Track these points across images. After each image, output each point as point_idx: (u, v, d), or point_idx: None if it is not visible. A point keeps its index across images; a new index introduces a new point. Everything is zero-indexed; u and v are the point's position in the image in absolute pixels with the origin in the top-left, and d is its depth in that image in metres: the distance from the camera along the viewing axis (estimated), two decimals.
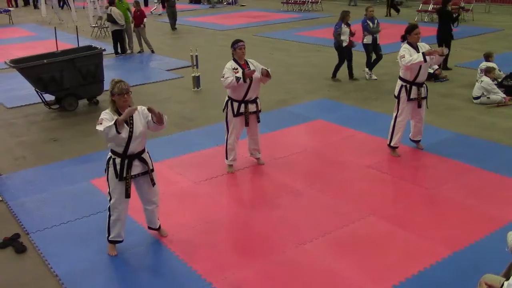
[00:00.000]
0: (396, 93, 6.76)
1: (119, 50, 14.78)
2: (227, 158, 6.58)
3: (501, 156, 6.83)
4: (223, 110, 6.44)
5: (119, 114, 4.51)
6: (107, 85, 9.92)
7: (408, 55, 6.42)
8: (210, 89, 10.56)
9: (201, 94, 10.49)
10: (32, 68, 9.11)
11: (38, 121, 9.14)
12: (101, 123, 4.46)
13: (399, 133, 6.79)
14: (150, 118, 4.65)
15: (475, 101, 9.07)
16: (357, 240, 4.98)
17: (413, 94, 6.63)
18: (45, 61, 9.19)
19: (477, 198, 5.69)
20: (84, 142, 7.91)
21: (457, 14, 11.74)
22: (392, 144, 6.86)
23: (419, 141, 7.05)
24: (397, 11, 20.91)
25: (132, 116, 4.57)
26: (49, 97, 9.61)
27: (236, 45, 6.24)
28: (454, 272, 4.42)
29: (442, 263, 4.54)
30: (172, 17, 19.58)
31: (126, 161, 4.63)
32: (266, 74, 6.21)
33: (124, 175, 4.64)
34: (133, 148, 4.62)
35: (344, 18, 10.49)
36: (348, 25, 10.48)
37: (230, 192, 6.22)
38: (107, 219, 4.81)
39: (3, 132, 8.53)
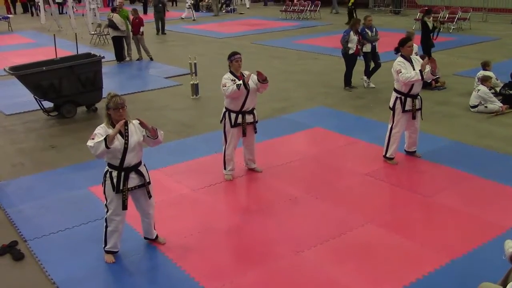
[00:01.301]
0: (391, 104, 6.80)
1: (125, 56, 14.86)
2: (225, 169, 6.60)
3: (498, 164, 6.85)
4: (221, 121, 6.47)
5: (114, 127, 4.53)
6: (106, 93, 10.04)
7: (404, 70, 6.49)
8: (209, 96, 10.59)
9: (200, 102, 10.52)
10: (31, 75, 9.13)
11: (37, 128, 9.15)
12: (93, 138, 4.49)
13: (394, 144, 6.83)
14: (145, 132, 4.68)
15: (472, 110, 9.11)
16: (355, 247, 4.98)
17: (408, 106, 6.68)
18: (44, 68, 9.22)
19: (475, 206, 5.70)
20: (82, 149, 7.86)
21: (434, 26, 12.05)
22: (387, 155, 6.90)
23: (415, 151, 7.07)
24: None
25: (127, 128, 4.59)
26: (48, 104, 9.62)
27: (233, 57, 6.27)
28: (452, 280, 4.42)
29: (440, 270, 4.55)
30: (160, 22, 20.20)
31: (122, 174, 4.64)
32: (259, 73, 6.21)
33: (121, 187, 4.66)
34: (129, 160, 4.63)
35: (354, 25, 10.53)
36: (358, 33, 10.53)
37: (228, 199, 6.23)
38: (104, 230, 4.82)
39: (1, 139, 8.53)
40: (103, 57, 10.05)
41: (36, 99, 9.45)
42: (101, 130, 4.54)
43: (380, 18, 21.21)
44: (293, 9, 25.04)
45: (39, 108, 9.56)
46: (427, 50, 11.86)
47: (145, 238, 5.17)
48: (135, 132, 4.65)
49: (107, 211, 4.76)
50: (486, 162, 6.91)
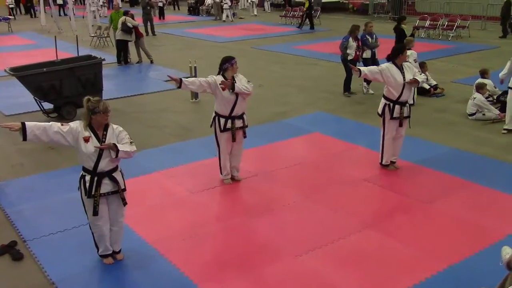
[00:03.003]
0: (379, 111, 6.81)
1: (121, 60, 14.85)
2: (221, 173, 6.63)
3: (496, 171, 6.89)
4: (211, 126, 6.47)
5: (92, 130, 4.52)
6: (106, 95, 10.08)
7: (378, 70, 6.62)
8: (208, 100, 10.58)
9: (199, 105, 10.55)
10: (31, 76, 9.16)
11: None
12: (62, 125, 4.48)
13: (389, 151, 6.86)
14: (123, 142, 4.61)
15: (470, 117, 9.15)
16: (353, 252, 5.00)
17: (396, 113, 6.68)
18: (45, 69, 9.24)
19: (472, 213, 5.74)
20: None
21: (412, 33, 12.18)
22: (383, 162, 6.93)
23: (394, 162, 6.99)
24: (312, 27, 22.28)
25: (105, 133, 4.57)
26: (48, 105, 9.64)
27: (233, 61, 6.29)
28: (449, 286, 4.45)
29: (437, 276, 4.57)
30: (149, 23, 20.62)
31: (95, 179, 4.59)
32: (222, 82, 6.13)
33: (93, 192, 4.60)
34: (103, 166, 4.57)
35: (353, 32, 10.57)
36: (357, 39, 10.57)
37: (227, 202, 6.25)
38: (92, 236, 4.80)
39: (1, 140, 8.54)
40: (104, 59, 10.08)
41: (36, 100, 9.47)
42: (75, 125, 4.51)
43: (379, 24, 21.28)
44: (292, 15, 25.13)
45: (39, 109, 9.57)
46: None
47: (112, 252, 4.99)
48: (113, 138, 4.59)
49: (87, 217, 4.72)
50: (484, 169, 6.95)
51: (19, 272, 4.85)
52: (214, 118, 6.40)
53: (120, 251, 4.98)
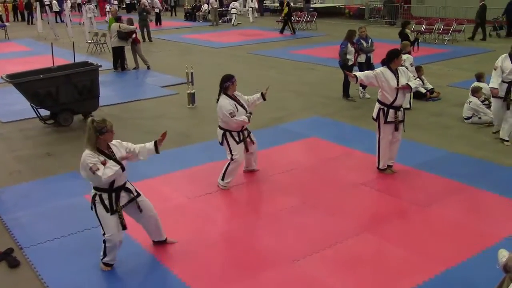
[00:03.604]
0: (374, 115, 6.83)
1: (118, 66, 14.86)
2: (223, 180, 6.58)
3: (492, 174, 6.90)
4: (221, 143, 6.61)
5: (101, 152, 4.54)
6: (103, 101, 10.08)
7: (374, 74, 6.67)
8: (205, 106, 10.62)
9: (196, 111, 10.56)
10: (28, 83, 9.14)
11: (33, 136, 9.16)
12: (98, 169, 4.42)
13: (386, 155, 6.87)
14: (133, 147, 4.76)
15: (466, 121, 9.18)
16: (351, 256, 5.00)
17: (390, 118, 6.70)
18: (41, 76, 9.24)
19: (469, 216, 5.75)
20: (78, 157, 7.74)
21: (416, 37, 12.14)
22: (380, 166, 6.94)
23: (391, 166, 7.01)
24: (293, 31, 22.71)
25: (111, 149, 4.62)
26: (44, 112, 9.63)
27: (233, 79, 6.44)
28: None
29: (434, 280, 4.58)
30: (145, 29, 20.65)
31: (113, 195, 4.64)
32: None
33: (115, 208, 4.65)
34: (119, 181, 4.65)
35: (350, 37, 10.60)
36: (353, 43, 10.61)
37: (224, 208, 6.25)
38: (103, 245, 4.77)
39: None
40: (100, 66, 10.09)
41: (32, 107, 9.46)
42: (95, 159, 4.48)
43: (375, 29, 21.39)
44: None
45: (36, 116, 9.56)
46: None
47: (156, 242, 5.18)
48: (120, 151, 4.65)
49: (103, 234, 4.69)
50: (481, 172, 6.96)
51: (16, 280, 4.84)
52: (224, 134, 6.55)
53: (166, 239, 5.18)
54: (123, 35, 14.25)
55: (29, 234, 5.58)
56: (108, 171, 4.43)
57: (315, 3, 30.54)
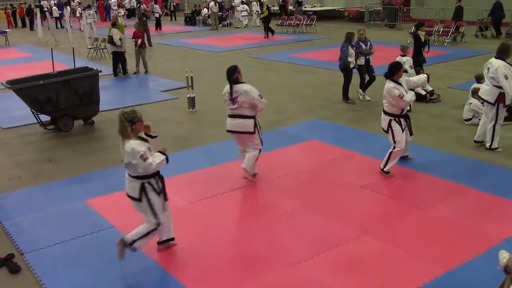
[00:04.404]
0: (385, 127, 6.90)
1: (118, 72, 14.89)
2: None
3: (493, 176, 6.90)
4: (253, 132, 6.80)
5: (143, 139, 4.73)
6: (103, 106, 10.09)
7: (404, 92, 6.70)
8: (205, 110, 10.64)
9: (196, 115, 10.57)
10: (28, 89, 9.16)
11: (34, 141, 9.17)
12: (148, 157, 4.62)
13: (394, 161, 6.91)
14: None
15: (466, 123, 9.17)
16: (351, 259, 5.00)
17: (403, 125, 6.91)
18: (41, 82, 9.26)
19: (470, 218, 5.74)
20: (79, 162, 7.93)
21: (425, 39, 12.04)
22: (385, 169, 6.95)
23: (407, 156, 7.34)
24: (272, 32, 23.10)
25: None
26: (45, 118, 9.65)
27: (238, 68, 6.55)
28: None
29: (435, 282, 4.57)
30: (145, 34, 20.35)
31: (158, 178, 4.89)
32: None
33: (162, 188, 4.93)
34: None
35: (350, 39, 10.61)
36: (352, 46, 10.63)
37: (224, 211, 6.23)
38: (148, 230, 4.90)
39: None
40: (100, 71, 10.10)
41: (33, 112, 9.48)
42: (143, 147, 4.64)
43: (375, 32, 21.42)
44: (289, 23, 25.23)
45: (36, 121, 9.58)
46: (419, 64, 11.87)
47: (166, 241, 5.23)
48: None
49: (156, 222, 4.87)
50: (481, 174, 6.96)
51: (17, 285, 4.83)
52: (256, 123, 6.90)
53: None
54: (111, 41, 14.43)
55: (29, 240, 5.58)
56: (157, 159, 4.68)
57: (314, 6, 30.57)
